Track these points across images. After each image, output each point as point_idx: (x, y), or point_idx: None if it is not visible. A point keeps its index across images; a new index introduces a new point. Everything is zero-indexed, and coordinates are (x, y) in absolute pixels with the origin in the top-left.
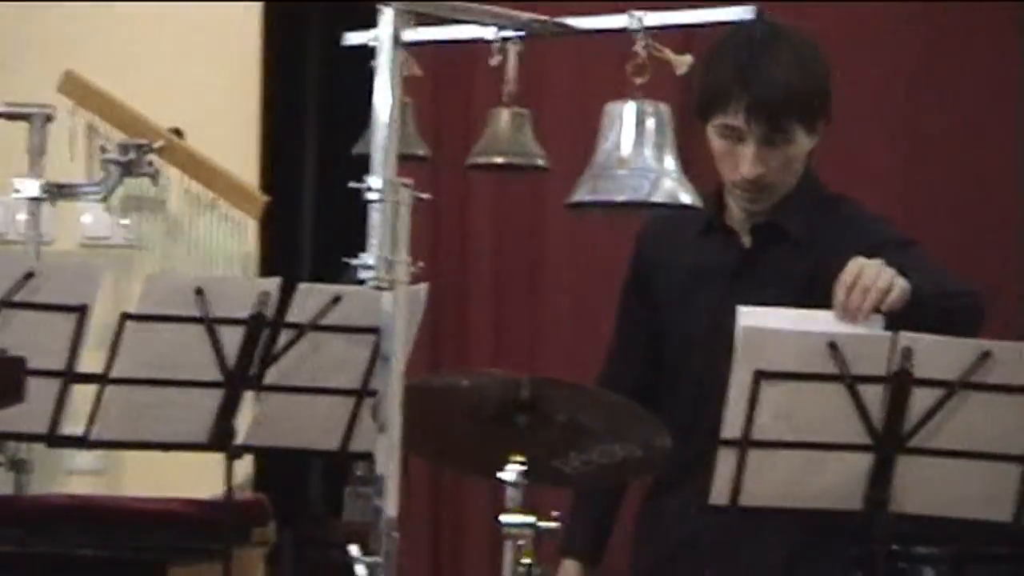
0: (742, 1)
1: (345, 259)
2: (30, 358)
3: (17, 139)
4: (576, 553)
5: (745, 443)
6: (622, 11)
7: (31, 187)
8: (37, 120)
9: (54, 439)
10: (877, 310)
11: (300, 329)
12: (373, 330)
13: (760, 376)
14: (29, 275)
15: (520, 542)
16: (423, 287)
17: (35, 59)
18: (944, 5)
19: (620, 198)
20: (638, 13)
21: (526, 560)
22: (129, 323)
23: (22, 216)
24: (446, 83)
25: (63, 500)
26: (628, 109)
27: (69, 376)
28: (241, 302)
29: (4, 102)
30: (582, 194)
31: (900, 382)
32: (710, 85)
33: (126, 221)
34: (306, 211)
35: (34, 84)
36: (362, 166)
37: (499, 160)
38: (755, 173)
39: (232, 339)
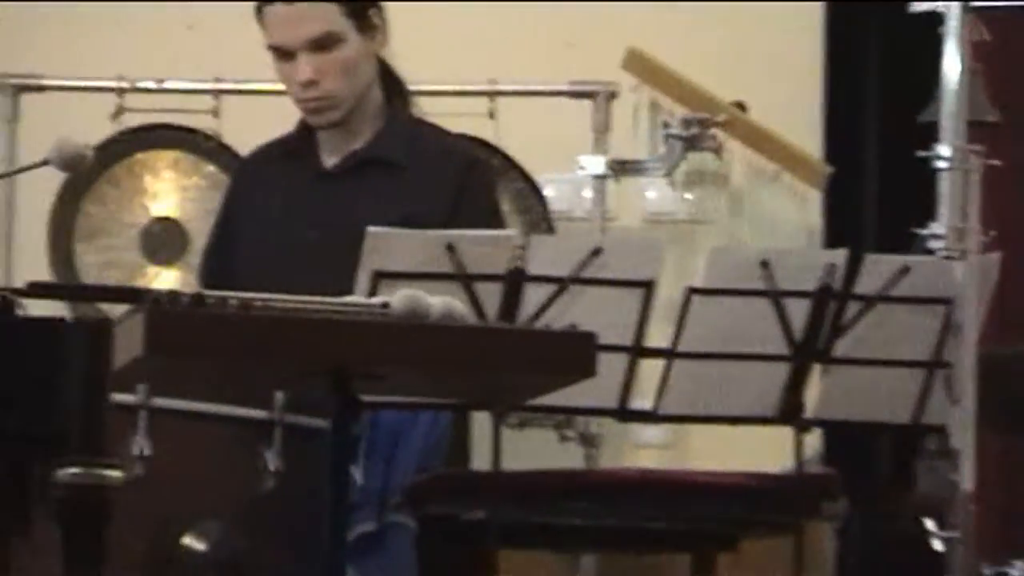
0: None
1: (913, 229)
2: (599, 333)
3: (582, 117)
4: None
5: None
6: None
7: (596, 164)
8: (601, 97)
9: (623, 413)
10: None
11: (868, 301)
12: (944, 301)
13: None
14: (596, 251)
15: None
16: (994, 256)
17: (600, 36)
18: None
19: None
20: None
21: None
22: (695, 297)
23: (587, 193)
24: (1014, 47)
25: (633, 474)
26: None
27: (637, 351)
28: (807, 274)
29: (569, 80)
30: None
31: None
32: None
33: (689, 196)
34: (870, 181)
35: (598, 61)
36: (927, 134)
37: None
38: None
39: (799, 312)
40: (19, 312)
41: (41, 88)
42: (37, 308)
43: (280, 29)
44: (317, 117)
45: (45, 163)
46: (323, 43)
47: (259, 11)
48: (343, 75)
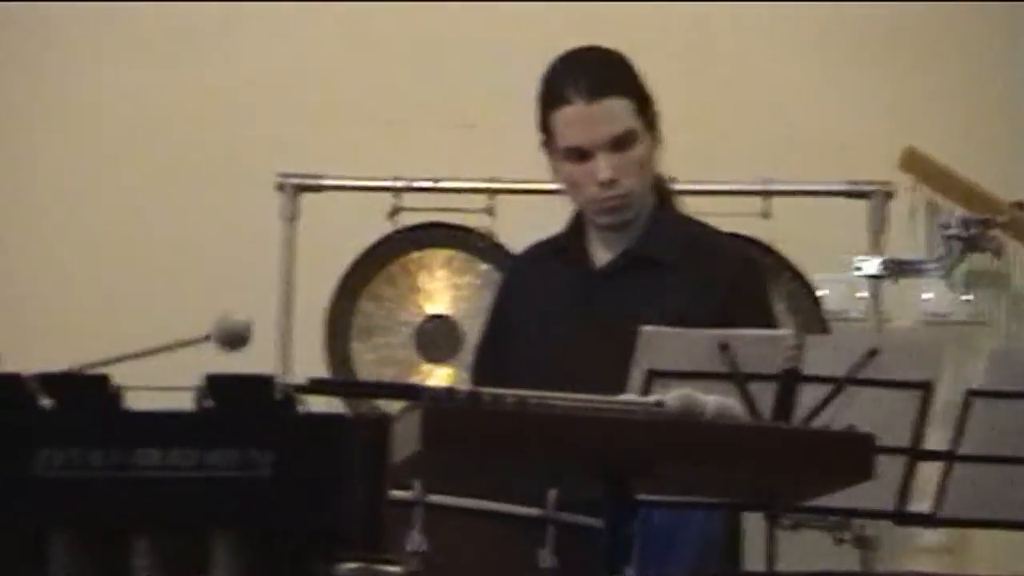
0: None
1: None
2: (876, 435)
3: (858, 217)
4: None
5: None
6: None
7: (872, 265)
8: (877, 197)
9: (901, 516)
10: None
11: None
12: None
13: None
14: (873, 352)
15: None
16: None
17: (876, 136)
18: None
19: None
20: None
21: None
22: (975, 400)
23: (863, 294)
24: None
25: None
26: None
27: (915, 453)
28: None
29: (845, 180)
30: None
31: None
32: None
33: (968, 297)
34: None
35: (874, 161)
36: None
37: None
38: None
39: None
40: (301, 408)
41: (320, 188)
42: (314, 404)
43: (580, 129)
44: (613, 216)
45: (207, 339)
46: (624, 141)
47: (549, 114)
48: (638, 173)
